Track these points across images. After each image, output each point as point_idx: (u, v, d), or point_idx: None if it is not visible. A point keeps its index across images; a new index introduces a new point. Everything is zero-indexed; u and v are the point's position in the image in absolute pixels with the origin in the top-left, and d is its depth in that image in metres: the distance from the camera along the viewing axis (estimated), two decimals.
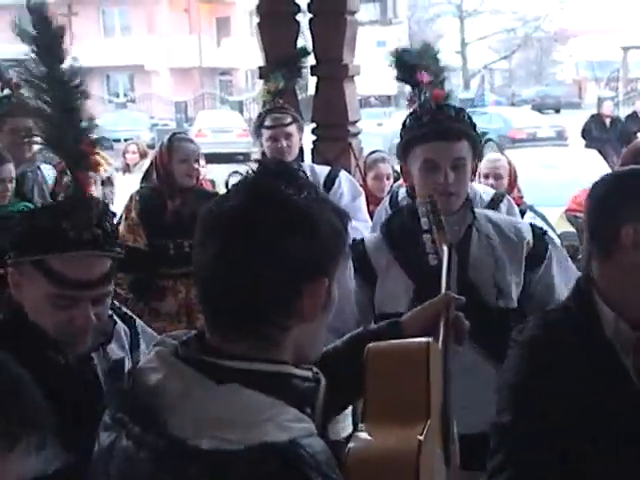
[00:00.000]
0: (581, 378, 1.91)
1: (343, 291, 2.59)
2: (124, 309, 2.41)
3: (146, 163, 9.82)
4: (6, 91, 5.06)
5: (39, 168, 5.10)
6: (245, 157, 26.30)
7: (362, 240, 2.97)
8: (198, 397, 1.34)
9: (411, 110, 3.13)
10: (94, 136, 2.52)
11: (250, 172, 1.47)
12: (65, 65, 2.63)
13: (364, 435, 1.57)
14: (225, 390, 1.34)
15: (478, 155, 2.95)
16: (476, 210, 2.92)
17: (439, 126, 2.81)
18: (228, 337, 1.40)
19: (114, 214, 2.27)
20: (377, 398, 1.64)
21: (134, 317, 2.41)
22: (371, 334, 1.93)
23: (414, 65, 3.39)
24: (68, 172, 2.25)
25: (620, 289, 1.97)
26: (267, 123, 4.88)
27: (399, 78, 3.54)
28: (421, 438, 1.53)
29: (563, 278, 2.85)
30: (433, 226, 2.37)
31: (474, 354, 2.61)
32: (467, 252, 2.79)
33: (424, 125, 2.84)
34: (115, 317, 2.30)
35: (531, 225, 3.02)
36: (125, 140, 26.29)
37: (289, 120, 4.87)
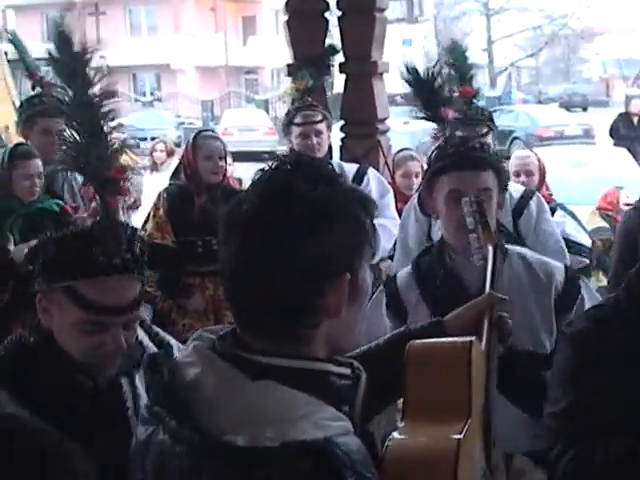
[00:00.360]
0: (629, 374, 1.88)
1: (378, 328, 2.63)
2: (161, 333, 2.38)
3: (174, 161, 9.87)
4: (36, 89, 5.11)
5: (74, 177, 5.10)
6: (271, 155, 26.30)
7: (395, 277, 2.99)
8: (234, 393, 1.34)
9: (436, 145, 3.16)
10: (123, 161, 2.54)
11: (266, 168, 1.43)
12: (92, 89, 2.66)
13: (402, 433, 1.55)
14: (261, 387, 1.34)
15: (504, 187, 2.92)
16: (509, 248, 2.77)
17: (465, 155, 2.80)
18: (253, 334, 1.39)
19: (142, 239, 2.24)
20: (417, 396, 1.62)
21: (171, 342, 2.36)
22: (413, 333, 1.93)
23: (439, 100, 3.43)
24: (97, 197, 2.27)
25: None
26: (297, 120, 4.88)
27: (423, 117, 3.58)
28: (460, 437, 1.51)
29: None
30: (478, 225, 2.35)
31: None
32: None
33: (450, 155, 2.83)
34: (149, 341, 2.27)
35: (565, 267, 2.93)
36: (152, 139, 26.39)
37: (319, 117, 4.87)
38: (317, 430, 1.29)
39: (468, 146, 2.87)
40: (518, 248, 3.02)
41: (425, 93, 3.43)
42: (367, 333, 2.39)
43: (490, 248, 2.28)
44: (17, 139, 12.43)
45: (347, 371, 1.43)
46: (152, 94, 43.39)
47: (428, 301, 2.81)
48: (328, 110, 5.29)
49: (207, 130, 5.23)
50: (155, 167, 9.83)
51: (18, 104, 12.15)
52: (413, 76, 4.10)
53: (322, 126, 4.86)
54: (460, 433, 1.53)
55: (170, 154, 9.92)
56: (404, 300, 2.86)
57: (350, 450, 1.30)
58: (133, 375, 2.15)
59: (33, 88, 5.03)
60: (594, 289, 3.00)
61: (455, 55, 4.56)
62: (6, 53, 12.74)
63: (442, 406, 1.60)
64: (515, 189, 4.52)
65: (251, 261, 1.36)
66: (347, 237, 1.37)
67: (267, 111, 32.99)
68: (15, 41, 5.29)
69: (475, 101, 4.42)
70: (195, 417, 1.33)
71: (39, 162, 4.44)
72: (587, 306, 2.67)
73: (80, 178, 5.19)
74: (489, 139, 4.36)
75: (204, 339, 1.45)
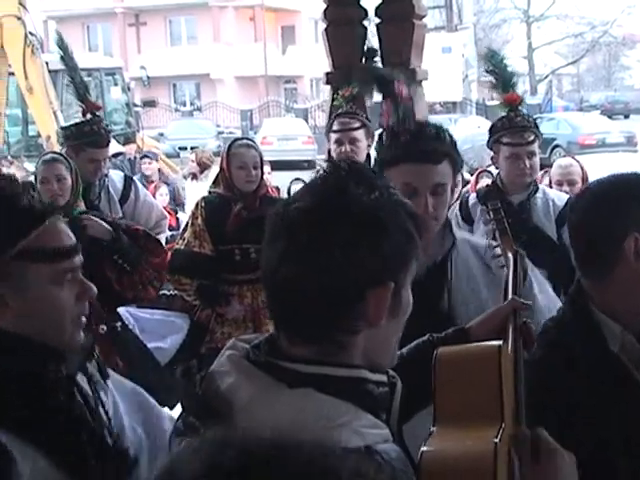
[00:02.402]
0: (593, 393, 1.86)
1: None
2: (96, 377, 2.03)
3: (212, 173, 9.93)
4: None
5: (107, 175, 5.14)
6: (310, 164, 26.40)
7: None
8: (270, 401, 1.32)
9: (385, 126, 2.92)
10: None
11: (321, 172, 1.42)
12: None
13: (436, 440, 1.53)
14: (298, 394, 1.32)
15: (458, 170, 2.64)
16: (456, 233, 2.69)
17: (420, 148, 2.50)
18: (295, 339, 1.38)
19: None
20: (448, 403, 1.60)
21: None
22: (437, 341, 1.91)
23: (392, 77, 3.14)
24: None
25: (625, 301, 1.91)
26: (334, 127, 4.87)
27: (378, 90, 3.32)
28: (497, 441, 1.48)
29: (545, 301, 2.72)
30: (497, 232, 2.34)
31: None
32: (444, 279, 2.59)
33: (404, 145, 2.53)
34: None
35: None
36: (191, 148, 26.61)
37: (357, 125, 4.84)
38: (357, 438, 1.28)
39: (424, 135, 2.55)
40: (465, 234, 2.88)
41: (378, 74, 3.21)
42: None
43: (510, 255, 2.25)
44: (58, 149, 12.56)
45: (384, 378, 1.41)
46: (192, 104, 43.71)
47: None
48: (368, 118, 5.27)
49: (243, 139, 5.23)
50: (194, 176, 9.91)
51: (63, 123, 12.36)
52: None
53: (358, 133, 4.83)
54: (496, 437, 1.50)
55: (202, 165, 9.98)
56: None
57: (391, 458, 1.28)
58: (88, 371, 1.91)
59: (84, 114, 5.04)
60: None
61: (494, 62, 4.52)
62: (47, 63, 12.88)
63: (474, 412, 1.57)
64: (559, 197, 4.47)
65: (296, 259, 1.34)
66: (396, 247, 1.36)
67: (306, 120, 33.08)
68: (69, 64, 5.27)
69: (520, 108, 4.37)
70: (231, 427, 1.30)
71: (59, 165, 4.45)
72: (534, 287, 2.67)
73: (120, 184, 5.23)
74: (536, 146, 4.31)
75: (238, 348, 1.43)
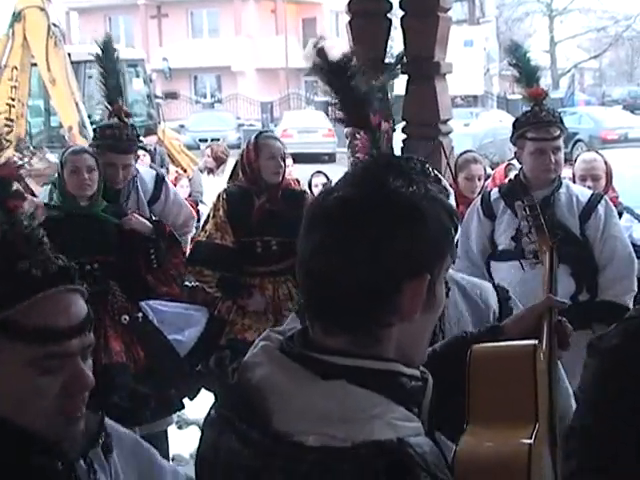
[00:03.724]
0: None
1: None
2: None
3: (228, 167, 9.92)
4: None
5: (136, 174, 5.12)
6: (330, 157, 26.37)
7: None
8: (304, 393, 1.32)
9: (362, 159, 2.85)
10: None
11: (360, 164, 1.42)
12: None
13: (470, 438, 1.52)
14: (331, 386, 1.32)
15: None
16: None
17: None
18: (329, 330, 1.37)
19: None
20: (481, 401, 1.59)
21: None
22: (471, 338, 1.90)
23: (367, 108, 2.89)
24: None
25: None
26: None
27: (348, 124, 3.05)
28: (531, 442, 1.48)
29: None
30: (533, 229, 2.32)
31: None
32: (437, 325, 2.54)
33: None
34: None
35: (495, 287, 2.85)
36: (212, 140, 26.62)
37: None
38: (390, 430, 1.27)
39: None
40: (452, 273, 2.79)
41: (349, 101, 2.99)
42: None
43: (546, 252, 2.21)
44: (80, 139, 12.63)
45: (417, 373, 1.40)
46: (212, 96, 43.76)
47: None
48: (391, 111, 5.24)
49: (267, 131, 5.24)
50: (211, 170, 9.90)
51: (85, 115, 12.36)
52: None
53: None
54: (530, 437, 1.50)
55: (217, 160, 9.97)
56: None
57: (424, 451, 1.27)
58: (88, 456, 1.67)
59: (109, 117, 5.00)
60: None
61: (517, 55, 4.48)
62: (69, 54, 12.91)
63: (508, 410, 1.57)
64: (582, 193, 4.43)
65: (333, 249, 1.33)
66: (433, 240, 1.36)
67: (327, 113, 32.99)
68: (108, 66, 5.18)
69: (545, 103, 4.33)
70: (265, 418, 1.32)
71: (87, 157, 4.46)
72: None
73: (150, 183, 5.21)
74: (561, 142, 4.28)
75: (272, 339, 1.43)
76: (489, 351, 1.69)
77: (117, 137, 4.76)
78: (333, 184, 1.43)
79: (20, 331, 1.52)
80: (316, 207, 1.40)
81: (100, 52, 5.07)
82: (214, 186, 9.03)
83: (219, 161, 10.09)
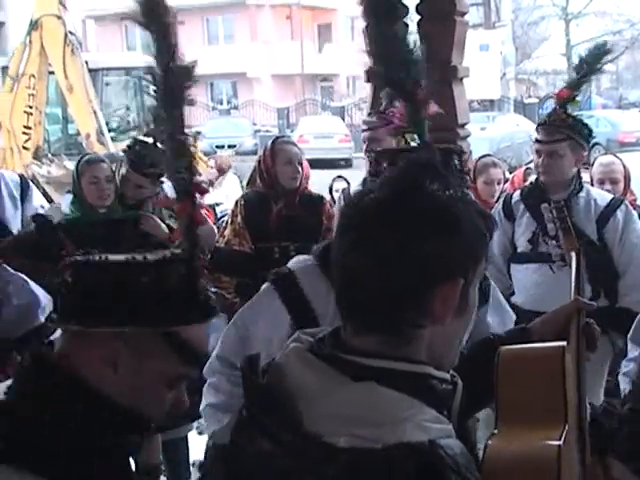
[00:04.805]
0: None
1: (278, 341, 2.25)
2: None
3: (227, 179, 9.87)
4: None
5: (161, 188, 5.06)
6: (347, 162, 26.37)
7: (294, 275, 2.43)
8: (334, 394, 1.33)
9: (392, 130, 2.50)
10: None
11: (396, 167, 1.43)
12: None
13: (499, 439, 1.53)
14: (362, 388, 1.32)
15: None
16: None
17: None
18: (359, 330, 1.38)
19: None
20: (510, 402, 1.60)
21: None
22: (498, 340, 1.92)
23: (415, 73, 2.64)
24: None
25: None
26: (363, 126, 4.92)
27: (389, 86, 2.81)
28: (560, 443, 1.49)
29: (496, 320, 2.70)
30: (560, 231, 2.31)
31: None
32: None
33: None
34: None
35: None
36: (229, 147, 26.71)
37: (381, 123, 4.82)
38: (421, 432, 1.28)
39: None
40: None
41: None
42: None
43: (573, 254, 2.24)
44: (98, 147, 12.69)
45: (447, 376, 1.41)
46: (229, 102, 43.84)
47: None
48: None
49: (284, 136, 5.23)
50: (211, 183, 9.85)
51: (102, 122, 12.37)
52: None
53: (379, 132, 4.78)
54: (560, 439, 1.50)
55: (220, 171, 9.93)
56: (316, 309, 2.35)
57: (455, 453, 1.27)
58: None
59: (147, 135, 4.85)
60: None
61: (588, 58, 4.42)
62: (87, 62, 12.97)
63: (537, 412, 1.58)
64: (602, 197, 4.40)
65: (368, 250, 1.34)
66: (468, 245, 1.36)
67: (343, 118, 33.05)
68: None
69: (567, 107, 4.28)
70: (295, 419, 1.33)
71: (105, 166, 4.47)
72: (488, 312, 2.64)
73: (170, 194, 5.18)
74: (561, 147, 4.24)
75: (302, 341, 1.45)
76: (518, 353, 1.69)
77: (141, 157, 4.65)
78: (365, 187, 1.44)
79: (185, 348, 1.61)
80: (351, 208, 1.41)
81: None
82: (212, 199, 8.94)
83: (221, 172, 10.05)
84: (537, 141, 4.33)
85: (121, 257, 1.60)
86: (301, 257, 2.46)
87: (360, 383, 1.32)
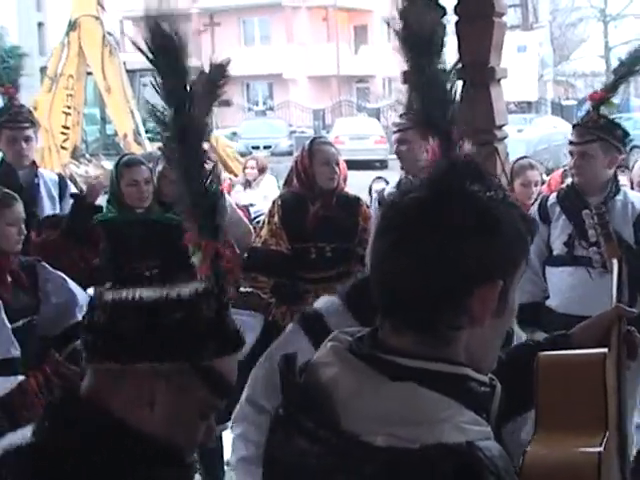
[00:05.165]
0: None
1: None
2: None
3: (266, 177, 9.88)
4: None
5: None
6: (382, 164, 26.34)
7: (319, 314, 2.40)
8: (373, 394, 1.32)
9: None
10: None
11: (437, 168, 1.44)
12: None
13: (539, 445, 1.52)
14: (400, 388, 1.32)
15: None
16: None
17: None
18: (397, 329, 1.38)
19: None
20: (551, 408, 1.60)
21: None
22: (537, 346, 1.90)
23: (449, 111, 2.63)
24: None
25: None
26: (394, 128, 4.92)
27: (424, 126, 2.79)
28: (601, 450, 1.48)
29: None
30: (601, 238, 2.29)
31: None
32: None
33: None
34: None
35: None
36: (264, 147, 26.73)
37: (409, 125, 4.82)
38: (459, 434, 1.27)
39: None
40: None
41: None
42: None
43: (615, 261, 2.23)
44: (135, 147, 12.77)
45: (485, 378, 1.40)
46: (264, 103, 43.97)
47: None
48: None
49: (321, 137, 5.24)
50: (248, 184, 9.85)
51: (139, 122, 12.43)
52: None
53: (408, 134, 4.77)
54: (600, 445, 1.50)
55: (261, 171, 9.94)
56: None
57: (493, 455, 1.26)
58: None
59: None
60: None
61: (626, 60, 4.40)
62: (125, 63, 13.07)
63: (578, 418, 1.57)
64: (638, 200, 4.35)
65: (408, 249, 1.34)
66: (508, 246, 1.35)
67: (378, 119, 33.01)
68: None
69: (602, 108, 4.26)
70: (333, 418, 1.33)
71: (144, 169, 4.50)
72: None
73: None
74: (591, 147, 4.21)
75: (341, 340, 1.44)
76: (558, 359, 1.69)
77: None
78: (401, 187, 1.43)
79: (218, 380, 1.62)
80: (392, 207, 1.40)
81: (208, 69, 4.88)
82: (248, 199, 8.94)
83: (261, 172, 10.06)
84: (570, 143, 4.32)
85: (154, 294, 1.61)
86: (327, 297, 2.44)
87: (398, 383, 1.32)
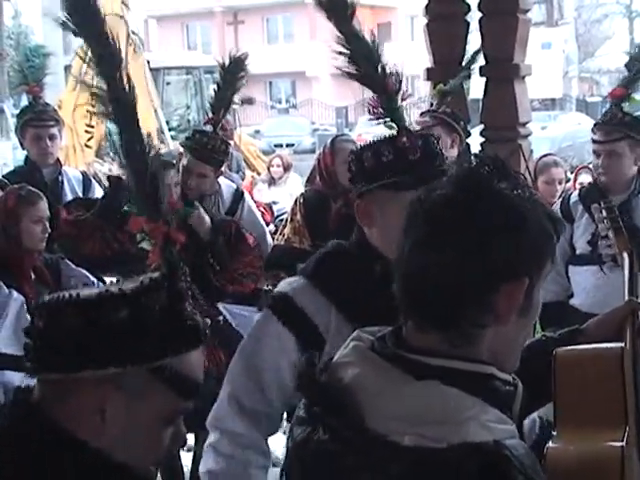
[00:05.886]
0: None
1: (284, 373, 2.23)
2: None
3: (291, 175, 9.87)
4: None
5: (217, 191, 5.07)
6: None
7: (289, 297, 2.32)
8: (397, 393, 1.33)
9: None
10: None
11: (463, 165, 1.43)
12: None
13: (560, 441, 1.53)
14: (425, 386, 1.32)
15: None
16: None
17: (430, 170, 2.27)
18: (421, 327, 1.38)
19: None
20: (570, 404, 1.60)
21: None
22: (552, 341, 1.90)
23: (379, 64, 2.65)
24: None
25: None
26: (416, 126, 4.87)
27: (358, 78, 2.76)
28: (623, 444, 1.49)
29: None
30: (610, 232, 2.29)
31: None
32: None
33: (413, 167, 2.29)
34: None
35: None
36: (287, 145, 26.71)
37: (431, 123, 4.80)
38: (485, 432, 1.27)
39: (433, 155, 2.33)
40: None
41: None
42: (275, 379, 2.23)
43: (625, 255, 2.24)
44: (158, 145, 12.75)
45: (509, 377, 1.40)
46: (287, 101, 43.99)
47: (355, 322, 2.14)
48: (467, 113, 5.21)
49: (344, 135, 5.21)
50: (273, 181, 9.84)
51: (163, 121, 12.46)
52: None
53: (437, 131, 4.73)
54: (622, 440, 1.50)
55: (286, 169, 9.94)
56: (318, 325, 2.26)
57: (520, 454, 1.27)
58: None
59: (206, 123, 4.83)
60: None
61: (637, 55, 4.37)
62: (148, 62, 13.11)
63: (597, 413, 1.57)
64: None
65: (434, 245, 1.34)
66: (534, 243, 1.35)
67: None
68: (227, 75, 4.80)
69: (626, 105, 4.22)
70: (357, 417, 1.33)
71: (173, 173, 4.49)
72: None
73: (227, 199, 5.15)
74: (619, 145, 4.17)
75: (363, 339, 1.44)
76: (575, 354, 1.69)
77: (202, 144, 4.66)
78: (434, 184, 1.42)
79: (179, 381, 1.47)
80: (418, 203, 1.40)
81: (227, 63, 4.78)
82: (272, 197, 8.94)
83: (286, 170, 10.07)
84: (594, 142, 4.25)
85: (93, 292, 1.46)
86: (289, 279, 2.39)
87: (423, 382, 1.32)
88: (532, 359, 1.75)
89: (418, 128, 4.84)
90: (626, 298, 2.04)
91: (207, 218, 4.48)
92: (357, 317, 2.08)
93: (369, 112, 2.47)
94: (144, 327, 1.43)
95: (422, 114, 4.99)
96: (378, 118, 2.44)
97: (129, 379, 1.43)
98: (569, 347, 1.74)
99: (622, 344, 1.72)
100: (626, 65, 4.39)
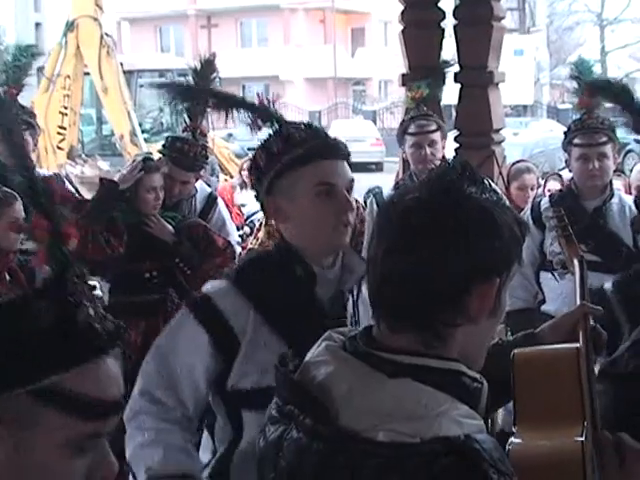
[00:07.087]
0: None
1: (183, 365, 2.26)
2: None
3: None
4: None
5: (194, 196, 5.06)
6: (378, 166, 26.36)
7: (209, 298, 2.32)
8: (370, 390, 1.35)
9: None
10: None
11: (434, 169, 1.46)
12: None
13: (521, 438, 1.57)
14: (397, 384, 1.35)
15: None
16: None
17: (333, 143, 2.49)
18: (395, 328, 1.40)
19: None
20: (529, 402, 1.65)
21: None
22: (507, 345, 1.95)
23: None
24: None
25: None
26: (411, 130, 4.83)
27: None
28: (583, 439, 1.54)
29: None
30: (561, 239, 2.40)
31: None
32: (346, 312, 2.33)
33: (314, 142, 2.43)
34: None
35: None
36: None
37: (433, 127, 4.81)
38: (456, 427, 1.31)
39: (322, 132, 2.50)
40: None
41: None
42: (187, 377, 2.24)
43: (576, 261, 2.34)
44: (131, 148, 12.78)
45: (477, 375, 1.43)
46: None
47: (273, 322, 2.24)
48: (443, 120, 5.22)
49: None
50: (245, 185, 9.85)
51: (136, 123, 12.40)
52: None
53: (436, 136, 4.80)
54: (581, 435, 1.55)
55: None
56: (234, 327, 2.25)
57: (489, 447, 1.30)
58: None
59: (184, 130, 4.80)
60: None
61: (581, 69, 4.44)
62: (122, 64, 13.07)
63: (557, 411, 1.62)
64: (630, 202, 4.36)
65: (406, 248, 1.37)
66: (505, 246, 1.39)
67: (374, 122, 33.02)
68: (201, 80, 4.66)
69: (596, 111, 4.28)
70: (331, 415, 1.35)
71: (159, 176, 4.49)
72: None
73: (199, 203, 5.12)
74: (607, 149, 4.22)
75: (334, 339, 1.47)
76: (533, 354, 1.75)
77: (184, 152, 4.64)
78: (405, 188, 1.45)
79: (73, 402, 1.22)
80: (390, 206, 1.43)
81: (199, 66, 4.72)
82: (246, 200, 8.92)
83: None
84: (582, 146, 4.25)
85: None
86: (214, 282, 2.39)
87: (396, 379, 1.35)
88: (488, 362, 1.80)
89: (415, 131, 4.82)
90: (577, 303, 2.10)
91: (165, 223, 4.48)
92: (275, 318, 2.23)
93: (251, 129, 2.62)
94: (22, 345, 1.19)
95: (418, 118, 4.95)
96: (260, 128, 2.55)
97: (11, 407, 1.19)
98: (527, 348, 1.80)
99: (578, 344, 1.79)
100: (571, 77, 4.47)
